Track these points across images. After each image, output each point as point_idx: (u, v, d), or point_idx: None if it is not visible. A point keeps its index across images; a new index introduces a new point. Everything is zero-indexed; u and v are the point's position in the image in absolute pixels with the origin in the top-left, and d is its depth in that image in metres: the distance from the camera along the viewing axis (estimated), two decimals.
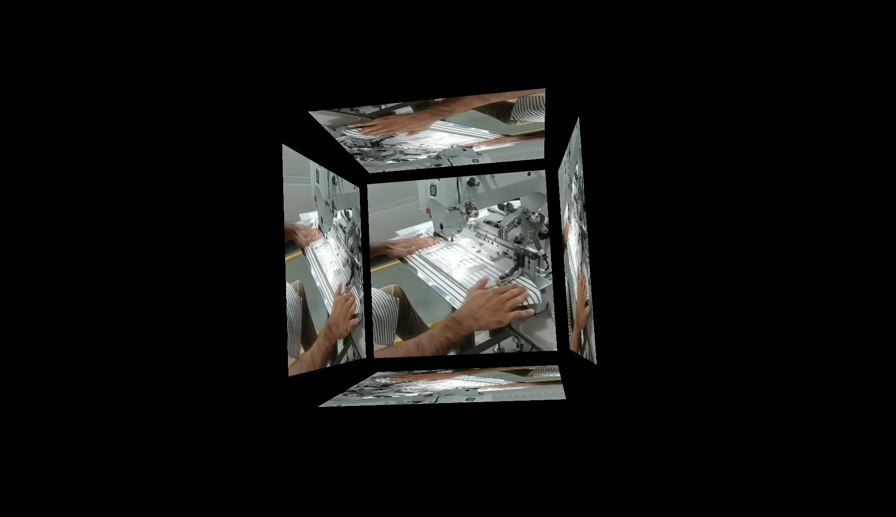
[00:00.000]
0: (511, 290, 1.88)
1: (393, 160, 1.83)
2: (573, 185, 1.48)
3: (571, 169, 1.47)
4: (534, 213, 1.91)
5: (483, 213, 1.95)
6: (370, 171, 1.97)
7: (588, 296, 1.30)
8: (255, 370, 1.24)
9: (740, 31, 1.10)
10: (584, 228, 1.37)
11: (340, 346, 1.74)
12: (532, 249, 1.90)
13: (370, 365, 1.94)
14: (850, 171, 1.06)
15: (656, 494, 1.07)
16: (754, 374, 1.07)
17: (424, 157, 1.80)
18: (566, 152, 1.55)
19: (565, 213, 1.68)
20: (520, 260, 1.92)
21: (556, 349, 1.84)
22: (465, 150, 1.72)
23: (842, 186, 1.06)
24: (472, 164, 1.91)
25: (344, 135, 1.57)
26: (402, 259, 1.99)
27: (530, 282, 1.90)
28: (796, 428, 1.05)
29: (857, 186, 1.05)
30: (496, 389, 1.39)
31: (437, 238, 1.99)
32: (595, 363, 1.22)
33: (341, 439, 1.20)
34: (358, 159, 1.82)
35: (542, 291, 1.88)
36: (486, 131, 1.58)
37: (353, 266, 1.87)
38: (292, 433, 1.22)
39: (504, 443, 1.14)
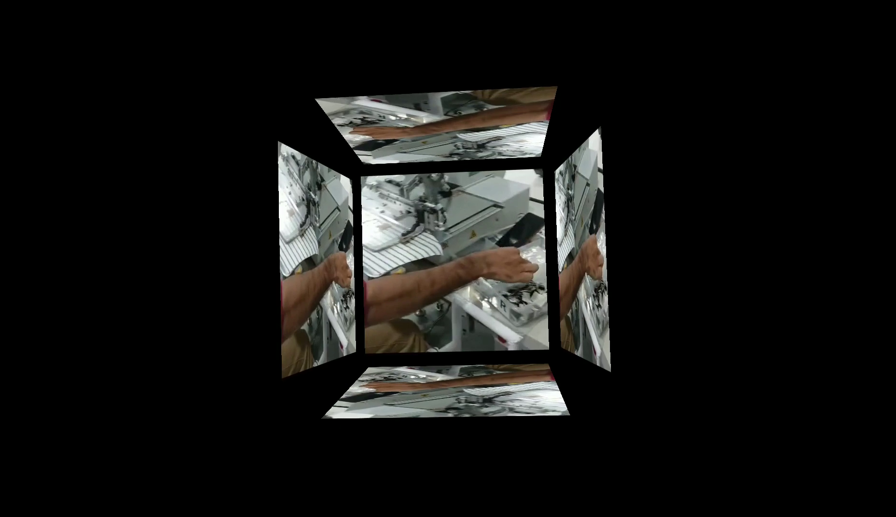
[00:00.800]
0: (531, 265, 1.88)
1: (490, 160, 1.84)
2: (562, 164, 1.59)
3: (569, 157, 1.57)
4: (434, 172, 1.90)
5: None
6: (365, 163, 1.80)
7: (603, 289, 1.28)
8: (248, 371, 1.17)
9: (765, 45, 1.09)
10: (571, 192, 1.53)
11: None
12: (430, 204, 1.90)
13: (361, 360, 1.81)
14: (875, 178, 1.02)
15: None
16: (787, 391, 1.04)
17: (520, 157, 1.80)
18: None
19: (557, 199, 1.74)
20: (420, 216, 1.90)
21: (547, 347, 1.82)
22: None
23: (866, 193, 1.02)
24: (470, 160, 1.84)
25: (456, 137, 1.48)
26: None
27: (431, 237, 1.90)
28: (831, 440, 1.02)
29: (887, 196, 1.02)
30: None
31: None
32: (609, 370, 1.20)
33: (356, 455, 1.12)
34: (456, 158, 1.69)
35: (444, 246, 1.91)
36: None
37: (308, 204, 1.55)
38: (303, 446, 1.13)
39: (525, 458, 1.09)
